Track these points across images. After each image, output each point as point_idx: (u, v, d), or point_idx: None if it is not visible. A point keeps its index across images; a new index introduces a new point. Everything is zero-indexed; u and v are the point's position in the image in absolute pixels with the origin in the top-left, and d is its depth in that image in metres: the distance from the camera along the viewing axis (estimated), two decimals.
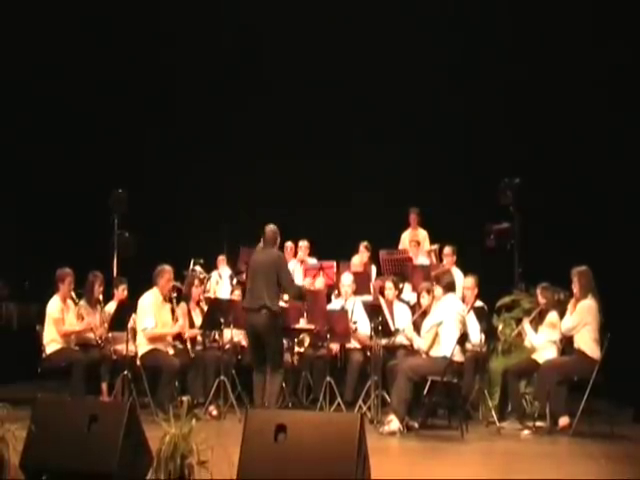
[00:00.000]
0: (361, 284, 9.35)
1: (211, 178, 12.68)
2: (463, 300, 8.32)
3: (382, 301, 8.81)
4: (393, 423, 7.49)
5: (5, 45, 11.44)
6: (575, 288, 7.85)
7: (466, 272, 9.19)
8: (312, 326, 8.60)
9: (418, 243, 11.06)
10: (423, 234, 11.53)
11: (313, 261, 10.79)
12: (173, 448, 4.76)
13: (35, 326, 8.73)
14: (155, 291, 8.53)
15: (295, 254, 11.02)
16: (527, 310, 8.81)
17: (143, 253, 10.40)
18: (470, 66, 11.91)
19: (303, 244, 11.01)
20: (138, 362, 8.35)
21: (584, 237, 9.87)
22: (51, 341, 8.50)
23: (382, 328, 8.18)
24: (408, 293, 9.81)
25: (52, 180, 11.97)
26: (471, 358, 8.07)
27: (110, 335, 8.87)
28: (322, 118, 12.63)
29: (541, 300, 8.26)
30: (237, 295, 9.49)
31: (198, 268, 10.17)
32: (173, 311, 8.57)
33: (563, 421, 7.64)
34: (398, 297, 9.22)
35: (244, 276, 9.88)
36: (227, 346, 8.74)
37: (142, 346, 8.37)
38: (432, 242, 11.29)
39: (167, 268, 8.59)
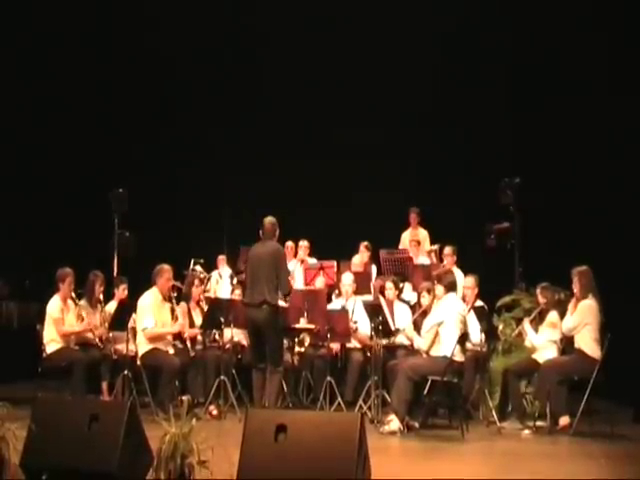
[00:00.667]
0: (361, 284, 9.36)
1: (211, 178, 12.68)
2: (463, 300, 8.32)
3: (382, 301, 8.81)
4: (393, 423, 7.49)
5: (5, 45, 11.43)
6: (575, 288, 7.85)
7: (466, 272, 9.19)
8: (312, 326, 8.60)
9: (418, 243, 11.06)
10: (423, 234, 11.53)
11: (313, 261, 10.79)
12: (173, 448, 4.76)
13: (35, 325, 8.73)
14: (154, 291, 8.52)
15: (295, 254, 11.02)
16: (527, 310, 8.82)
17: (143, 253, 10.39)
18: (470, 66, 11.90)
19: (303, 244, 11.01)
20: (138, 362, 8.35)
21: (584, 237, 9.87)
22: (51, 341, 8.50)
23: (382, 328, 8.18)
24: (408, 293, 9.82)
25: (52, 179, 11.98)
26: (471, 358, 8.07)
27: (111, 335, 8.88)
28: (322, 118, 12.63)
29: (541, 300, 8.26)
30: (237, 295, 9.48)
31: (198, 268, 10.18)
32: (173, 310, 8.56)
33: (563, 421, 7.64)
34: (398, 297, 9.23)
35: (244, 275, 9.90)
36: (227, 346, 8.74)
37: (142, 346, 8.37)
38: (433, 242, 11.29)
39: (166, 267, 8.58)
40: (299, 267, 10.60)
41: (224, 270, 10.61)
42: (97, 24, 12.34)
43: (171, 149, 12.90)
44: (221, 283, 10.41)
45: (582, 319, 7.71)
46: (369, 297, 9.27)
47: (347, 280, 9.17)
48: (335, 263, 10.13)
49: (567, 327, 7.83)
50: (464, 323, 7.69)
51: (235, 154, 12.72)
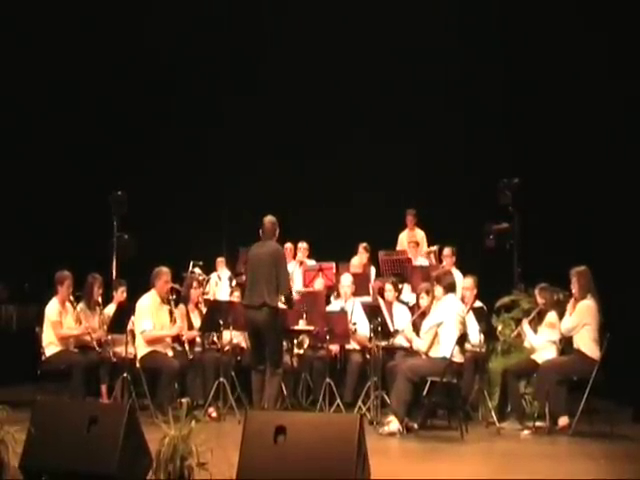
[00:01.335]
0: (360, 285, 9.36)
1: (210, 180, 12.69)
2: (462, 300, 8.31)
3: (381, 302, 8.82)
4: (393, 424, 7.48)
5: (4, 46, 11.44)
6: (574, 288, 7.85)
7: (465, 272, 9.18)
8: (311, 327, 8.60)
9: (417, 244, 11.07)
10: (421, 235, 11.55)
11: (312, 262, 10.79)
12: (173, 450, 4.76)
13: (34, 328, 8.73)
14: (153, 293, 8.52)
15: (294, 255, 11.01)
16: (526, 310, 8.81)
17: (142, 255, 10.39)
18: (469, 66, 11.91)
19: (302, 245, 11.00)
20: (137, 364, 8.34)
21: (583, 237, 9.88)
22: (50, 343, 8.50)
23: (381, 329, 8.17)
24: (407, 294, 9.82)
25: (51, 182, 11.98)
26: (470, 358, 8.07)
27: (110, 337, 8.87)
28: (321, 118, 12.65)
29: (540, 300, 8.26)
30: (236, 297, 9.50)
31: (197, 270, 10.17)
32: (171, 313, 8.56)
33: (563, 421, 7.64)
34: (397, 298, 9.23)
35: (243, 278, 9.90)
36: (226, 348, 8.73)
37: (141, 348, 8.36)
38: (431, 243, 11.29)
39: (164, 270, 8.58)
40: (298, 269, 10.60)
41: (223, 272, 10.60)
42: (96, 25, 12.33)
43: (170, 152, 12.90)
44: (220, 285, 10.40)
45: (581, 319, 7.72)
46: (368, 298, 9.27)
47: (346, 281, 9.18)
48: (334, 264, 10.14)
49: (566, 327, 7.83)
50: (463, 324, 7.69)
51: (234, 156, 12.72)
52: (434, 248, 10.97)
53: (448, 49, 11.92)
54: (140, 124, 12.62)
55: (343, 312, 8.72)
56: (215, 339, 8.99)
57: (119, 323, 8.41)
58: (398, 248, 11.29)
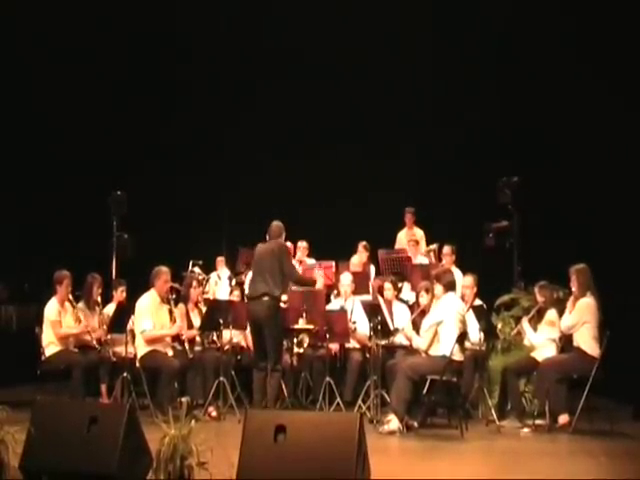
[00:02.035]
0: (360, 284, 9.36)
1: (210, 180, 12.69)
2: (462, 299, 8.31)
3: (381, 301, 8.81)
4: (393, 422, 7.48)
5: (4, 46, 11.44)
6: (574, 286, 7.86)
7: (465, 271, 9.18)
8: (311, 326, 8.59)
9: (417, 242, 11.05)
10: (420, 233, 11.54)
11: (312, 261, 10.79)
12: (173, 449, 4.76)
13: (34, 328, 8.73)
14: (152, 293, 8.52)
15: (294, 255, 11.00)
16: (526, 308, 8.81)
17: (142, 255, 10.39)
18: (469, 66, 11.91)
19: (302, 244, 10.98)
20: (137, 364, 8.35)
21: (583, 235, 9.87)
22: (50, 343, 8.50)
23: (381, 328, 8.17)
24: (407, 292, 9.82)
25: (51, 181, 11.97)
26: (470, 357, 8.06)
27: (109, 337, 8.88)
28: (321, 118, 12.64)
29: (539, 299, 8.26)
30: (236, 296, 9.50)
31: (197, 269, 10.17)
32: (171, 312, 8.56)
33: (563, 419, 7.65)
34: (397, 297, 9.23)
35: (243, 277, 9.93)
36: (226, 347, 8.73)
37: (141, 348, 8.36)
38: (431, 241, 11.28)
39: (164, 269, 8.58)
40: (298, 267, 10.59)
41: (223, 272, 10.60)
42: (95, 25, 12.33)
43: (170, 151, 12.89)
44: (220, 284, 10.40)
45: (580, 317, 7.72)
46: (368, 297, 9.27)
47: (346, 280, 9.18)
48: (334, 263, 10.13)
49: (566, 325, 7.84)
50: (463, 322, 7.69)
51: (233, 156, 12.72)
52: (434, 246, 10.96)
53: (448, 49, 11.92)
54: (140, 124, 12.60)
55: (343, 311, 8.73)
56: (215, 338, 8.99)
57: (119, 323, 8.42)
58: (397, 247, 11.28)
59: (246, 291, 8.71)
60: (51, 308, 8.57)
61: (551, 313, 8.15)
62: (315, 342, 8.82)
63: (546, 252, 9.96)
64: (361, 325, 8.68)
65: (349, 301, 9.00)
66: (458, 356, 7.58)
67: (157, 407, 7.77)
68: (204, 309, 9.03)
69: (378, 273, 10.30)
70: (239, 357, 9.19)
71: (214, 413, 8.27)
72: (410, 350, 8.31)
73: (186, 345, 8.60)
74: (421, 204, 11.61)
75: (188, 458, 4.77)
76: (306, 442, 4.72)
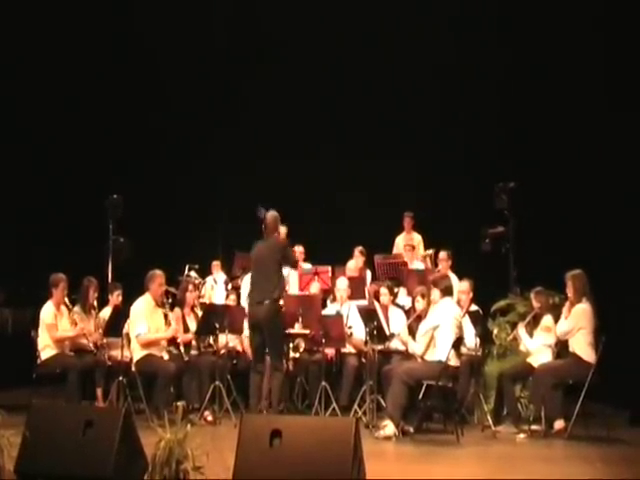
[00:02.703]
0: (356, 289, 9.36)
1: (206, 183, 12.68)
2: (458, 304, 8.32)
3: (377, 306, 8.82)
4: (388, 428, 7.48)
5: (4, 46, 11.45)
6: (570, 292, 7.87)
7: (461, 276, 9.19)
8: (307, 331, 8.60)
9: (413, 247, 11.05)
10: (418, 238, 11.53)
11: (308, 266, 10.78)
12: (168, 453, 4.76)
13: (30, 332, 8.72)
14: (147, 296, 8.51)
15: None
16: (522, 314, 8.81)
17: (138, 258, 10.37)
18: (467, 68, 11.92)
19: (298, 249, 10.97)
20: (133, 368, 8.33)
21: (579, 241, 9.88)
22: (46, 347, 8.49)
23: (377, 333, 8.18)
24: (403, 297, 9.81)
25: (47, 185, 11.96)
26: (466, 362, 8.07)
27: (105, 341, 8.87)
28: (319, 121, 12.64)
29: (535, 304, 8.26)
30: (232, 300, 9.51)
31: (193, 273, 10.16)
32: (166, 316, 8.55)
33: (559, 424, 7.65)
34: (393, 302, 9.24)
35: (239, 281, 9.94)
36: (222, 351, 8.73)
37: (136, 352, 8.35)
38: (427, 246, 11.28)
39: (158, 273, 8.57)
40: (294, 272, 10.58)
41: (219, 276, 10.60)
42: (94, 26, 12.32)
43: (167, 155, 12.89)
44: (216, 289, 10.40)
45: (576, 323, 7.73)
46: (364, 302, 9.27)
47: (342, 285, 9.18)
48: (330, 268, 10.13)
49: (561, 331, 7.85)
50: (460, 328, 7.70)
51: (230, 160, 12.71)
52: (430, 252, 10.95)
53: (446, 53, 11.93)
54: (136, 127, 12.60)
55: (339, 316, 8.72)
56: (211, 342, 8.98)
57: (115, 326, 8.41)
58: (394, 251, 11.27)
59: (243, 295, 8.71)
60: (47, 311, 8.56)
61: (547, 319, 8.15)
62: (311, 347, 8.82)
63: (542, 258, 9.98)
64: (357, 330, 8.68)
65: (345, 306, 9.00)
66: (454, 361, 7.59)
67: (153, 411, 7.75)
68: (200, 313, 9.03)
69: (374, 278, 10.30)
70: (235, 361, 9.18)
71: (210, 417, 8.26)
72: (406, 355, 8.31)
73: (181, 348, 8.60)
74: (417, 209, 11.60)
75: (184, 462, 4.78)
76: (302, 447, 4.72)
